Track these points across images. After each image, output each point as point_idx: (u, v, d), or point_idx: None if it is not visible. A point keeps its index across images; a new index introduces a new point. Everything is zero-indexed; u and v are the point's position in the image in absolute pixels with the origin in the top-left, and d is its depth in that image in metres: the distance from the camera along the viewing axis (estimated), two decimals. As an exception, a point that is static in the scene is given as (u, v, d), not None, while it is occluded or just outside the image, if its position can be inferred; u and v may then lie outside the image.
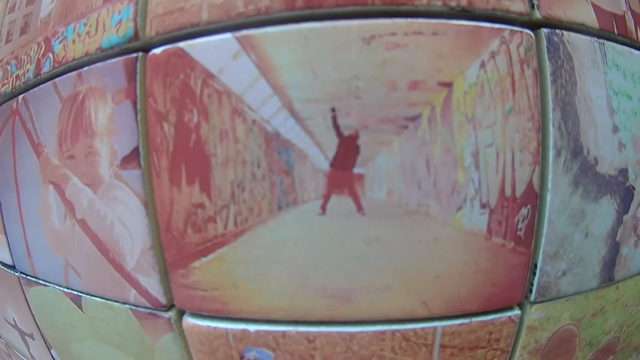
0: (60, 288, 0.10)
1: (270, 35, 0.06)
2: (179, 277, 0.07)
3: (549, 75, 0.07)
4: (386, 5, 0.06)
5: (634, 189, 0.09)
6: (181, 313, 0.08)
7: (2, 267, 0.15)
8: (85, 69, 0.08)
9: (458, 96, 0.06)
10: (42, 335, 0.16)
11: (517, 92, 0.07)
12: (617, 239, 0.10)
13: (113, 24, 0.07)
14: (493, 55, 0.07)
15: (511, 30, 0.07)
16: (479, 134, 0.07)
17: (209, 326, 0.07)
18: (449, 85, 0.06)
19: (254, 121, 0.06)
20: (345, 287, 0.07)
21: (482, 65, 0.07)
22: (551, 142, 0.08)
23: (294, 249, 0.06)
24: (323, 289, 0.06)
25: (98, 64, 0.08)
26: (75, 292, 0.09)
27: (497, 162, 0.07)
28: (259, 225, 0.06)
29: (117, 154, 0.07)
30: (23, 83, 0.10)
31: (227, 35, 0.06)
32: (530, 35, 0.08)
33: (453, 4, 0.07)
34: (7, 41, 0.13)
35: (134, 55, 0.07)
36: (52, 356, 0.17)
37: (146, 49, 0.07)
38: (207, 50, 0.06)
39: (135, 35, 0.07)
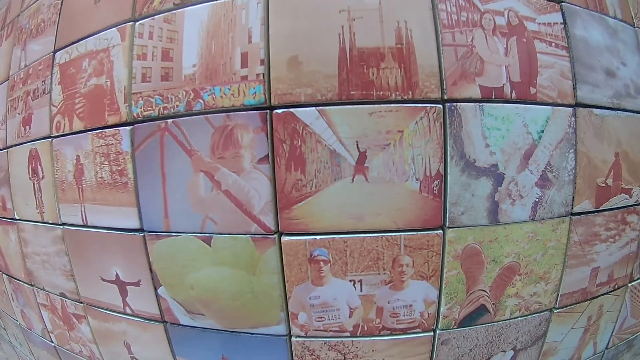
0: (194, 234, 0.29)
1: (331, 109, 0.23)
2: (284, 215, 0.26)
3: (448, 124, 0.26)
4: (378, 98, 0.25)
5: (504, 174, 0.32)
6: (281, 234, 0.26)
7: (126, 232, 0.31)
8: (232, 113, 0.26)
9: (406, 135, 0.26)
10: (152, 278, 0.32)
11: (431, 132, 0.26)
12: (496, 199, 0.28)
13: (250, 93, 0.25)
14: (422, 117, 0.27)
15: (430, 106, 0.26)
16: (414, 150, 0.25)
17: (296, 239, 0.27)
18: (402, 131, 0.26)
19: (325, 145, 0.24)
20: (360, 213, 0.25)
21: (417, 122, 0.26)
22: (449, 151, 0.26)
23: (339, 197, 0.25)
24: (350, 215, 0.25)
25: (242, 112, 0.26)
26: (208, 234, 0.28)
27: (423, 161, 0.27)
28: (325, 188, 0.24)
29: (255, 157, 0.25)
30: (172, 112, 0.30)
31: (312, 109, 0.24)
32: (440, 107, 0.25)
33: (405, 97, 0.25)
34: (144, 80, 0.31)
35: (266, 111, 0.25)
36: (156, 294, 0.33)
37: (272, 109, 0.25)
38: (304, 114, 0.24)
39: (266, 102, 0.24)
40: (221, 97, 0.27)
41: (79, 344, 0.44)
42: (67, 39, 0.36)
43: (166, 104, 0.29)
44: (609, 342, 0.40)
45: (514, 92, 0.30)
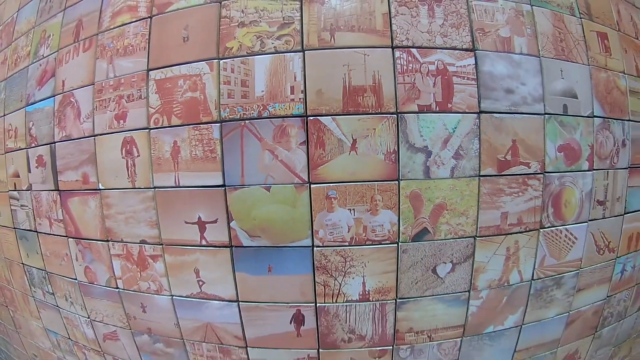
0: (260, 185, 0.58)
1: (338, 117, 0.55)
2: (313, 173, 0.49)
3: (399, 125, 0.52)
4: (363, 112, 0.57)
5: (432, 151, 0.53)
6: (311, 183, 0.55)
7: (212, 188, 0.61)
8: (285, 119, 0.56)
9: (377, 130, 0.54)
10: (227, 216, 0.63)
11: (390, 129, 0.55)
12: (428, 165, 0.55)
13: (296, 108, 0.56)
14: (385, 121, 0.58)
15: (390, 116, 0.57)
16: (382, 138, 0.57)
17: (319, 186, 0.54)
18: (375, 128, 0.51)
19: (335, 135, 0.52)
20: (353, 171, 0.55)
21: (383, 124, 0.56)
22: (400, 139, 0.54)
23: (342, 163, 0.53)
24: (348, 172, 0.54)
25: (291, 118, 0.56)
26: (269, 185, 0.56)
27: (386, 144, 0.55)
28: (334, 158, 0.55)
29: (298, 141, 0.54)
30: (249, 116, 0.58)
31: (329, 117, 0.56)
32: (395, 116, 0.56)
33: (377, 111, 0.58)
34: (229, 97, 0.62)
35: (304, 118, 0.55)
36: (228, 227, 0.65)
37: (307, 117, 0.55)
38: (324, 119, 0.54)
39: (304, 113, 0.54)
40: (279, 109, 0.61)
41: (148, 281, 0.74)
42: (159, 62, 0.66)
43: (245, 112, 0.62)
44: (533, 274, 0.61)
45: (437, 107, 0.66)
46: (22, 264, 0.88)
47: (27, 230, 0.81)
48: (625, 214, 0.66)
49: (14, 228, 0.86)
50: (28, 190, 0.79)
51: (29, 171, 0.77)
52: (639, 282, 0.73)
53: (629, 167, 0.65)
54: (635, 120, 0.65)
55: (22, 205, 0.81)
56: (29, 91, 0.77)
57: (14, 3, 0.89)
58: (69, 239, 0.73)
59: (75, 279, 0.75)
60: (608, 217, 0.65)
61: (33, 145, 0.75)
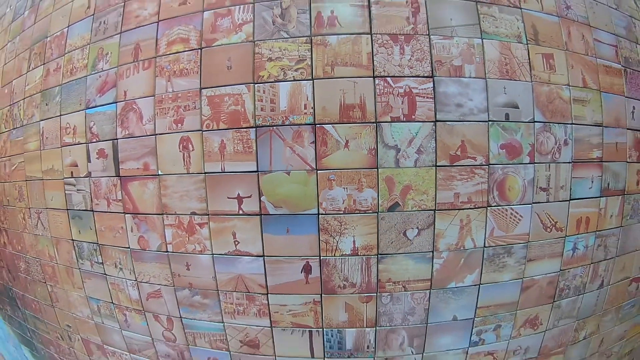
0: (282, 171, 1.02)
1: (336, 125, 0.96)
2: (319, 162, 0.97)
3: (377, 131, 0.94)
4: (353, 121, 1.06)
5: (400, 149, 0.80)
6: (317, 170, 1.01)
7: (248, 173, 1.07)
8: (300, 126, 1.04)
9: (362, 134, 1.01)
10: (259, 192, 1.08)
11: (371, 133, 0.97)
12: (397, 157, 0.85)
13: (308, 119, 1.03)
14: (368, 128, 0.98)
15: (371, 124, 1.00)
16: (365, 139, 0.94)
17: (323, 172, 0.99)
18: (360, 133, 1.02)
19: (334, 137, 1.02)
20: (346, 161, 0.92)
21: (366, 130, 0.93)
22: (377, 140, 0.86)
23: (339, 156, 1.01)
24: (343, 162, 1.06)
25: (305, 125, 1.03)
26: (289, 171, 1.03)
27: (367, 143, 0.98)
28: (334, 152, 1.00)
29: (310, 141, 1.03)
30: (275, 124, 1.04)
31: (330, 125, 1.03)
32: (375, 124, 0.99)
33: (361, 121, 1.00)
34: (262, 110, 1.06)
35: (314, 125, 1.02)
36: (259, 200, 1.11)
37: (315, 125, 1.03)
38: (327, 127, 1.03)
39: (313, 122, 1.00)
40: (296, 119, 1.09)
41: (194, 244, 1.22)
42: (210, 83, 1.12)
43: (273, 121, 1.09)
44: (484, 242, 0.88)
45: (404, 118, 1.15)
46: (72, 240, 1.34)
47: (82, 210, 1.29)
48: (570, 200, 0.91)
49: (67, 210, 1.33)
50: (87, 177, 1.26)
51: (89, 161, 1.24)
52: (595, 261, 0.96)
53: (572, 162, 0.92)
54: (578, 124, 0.92)
55: (78, 190, 1.29)
56: (88, 97, 1.23)
57: (61, 19, 1.35)
58: (126, 215, 1.20)
59: (128, 247, 1.20)
60: (552, 201, 0.89)
61: (94, 140, 1.22)
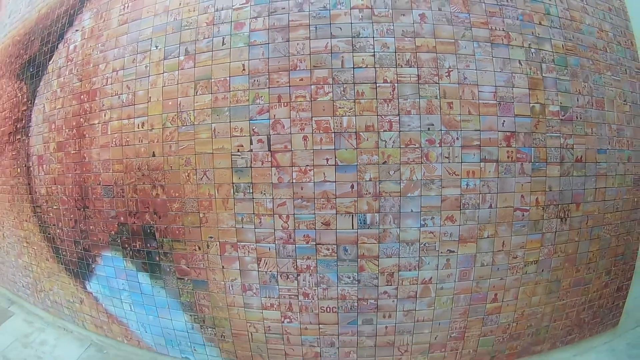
0: None
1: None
2: None
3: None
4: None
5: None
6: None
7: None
8: None
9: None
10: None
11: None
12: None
13: None
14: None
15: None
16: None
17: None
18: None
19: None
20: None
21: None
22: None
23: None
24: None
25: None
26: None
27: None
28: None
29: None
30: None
31: None
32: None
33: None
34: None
35: None
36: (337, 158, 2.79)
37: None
38: None
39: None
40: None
41: (305, 179, 2.92)
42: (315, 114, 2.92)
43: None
44: (422, 177, 2.00)
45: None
46: (232, 183, 2.93)
47: (243, 167, 2.91)
48: (462, 162, 1.97)
49: (231, 168, 2.91)
50: (249, 151, 2.90)
51: (251, 144, 2.87)
52: (482, 193, 1.86)
53: (461, 146, 2.04)
54: (465, 129, 1.95)
55: (242, 157, 2.90)
56: (251, 114, 2.87)
57: (222, 71, 2.88)
58: (272, 168, 2.89)
59: (271, 182, 2.89)
60: (452, 162, 1.95)
61: (255, 135, 2.89)
